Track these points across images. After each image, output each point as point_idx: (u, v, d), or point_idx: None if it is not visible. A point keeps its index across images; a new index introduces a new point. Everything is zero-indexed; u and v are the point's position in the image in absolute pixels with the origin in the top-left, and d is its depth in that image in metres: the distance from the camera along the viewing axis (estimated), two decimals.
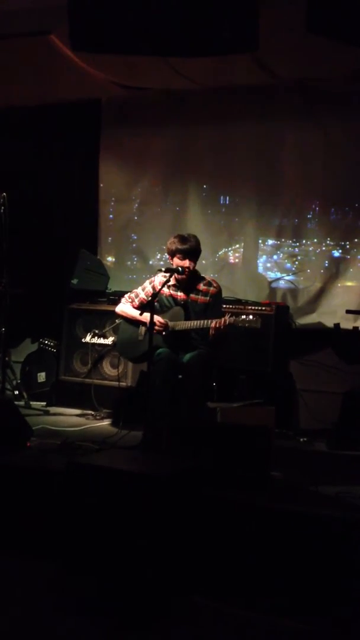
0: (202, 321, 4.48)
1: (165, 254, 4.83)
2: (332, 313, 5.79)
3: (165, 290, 4.69)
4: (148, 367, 4.25)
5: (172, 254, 4.63)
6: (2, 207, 5.31)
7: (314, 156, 5.89)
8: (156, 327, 4.43)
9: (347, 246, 5.87)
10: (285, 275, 6.05)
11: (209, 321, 4.41)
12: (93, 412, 5.80)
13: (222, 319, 4.36)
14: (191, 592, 3.29)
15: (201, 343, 4.59)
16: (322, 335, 5.69)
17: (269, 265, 6.16)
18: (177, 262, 4.61)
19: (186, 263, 4.58)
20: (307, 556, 3.24)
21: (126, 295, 4.92)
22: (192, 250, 4.59)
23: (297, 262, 6.06)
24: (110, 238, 6.81)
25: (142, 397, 4.53)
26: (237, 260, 6.31)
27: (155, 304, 4.57)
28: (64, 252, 6.58)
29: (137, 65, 5.17)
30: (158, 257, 6.50)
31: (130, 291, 4.92)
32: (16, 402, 5.25)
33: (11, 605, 3.22)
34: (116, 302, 5.02)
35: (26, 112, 6.59)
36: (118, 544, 3.17)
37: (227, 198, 6.33)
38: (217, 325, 4.35)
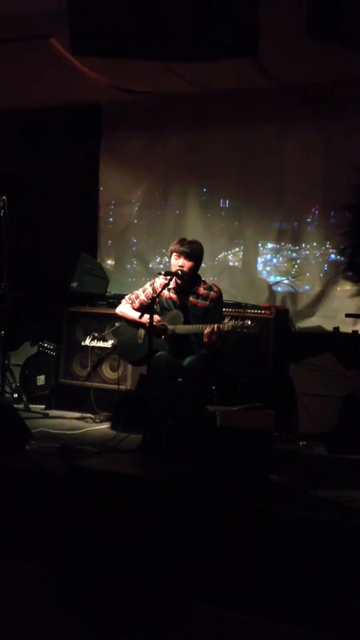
0: (200, 326, 4.47)
1: (165, 257, 4.85)
2: (331, 317, 5.79)
3: (165, 292, 4.70)
4: (148, 370, 4.25)
5: (170, 253, 4.66)
6: (2, 211, 5.31)
7: (314, 160, 5.90)
8: (155, 326, 4.42)
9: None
10: (284, 278, 6.05)
11: (205, 326, 4.40)
12: (92, 416, 5.79)
13: (214, 326, 4.34)
14: (190, 597, 3.29)
15: (201, 347, 4.59)
16: (322, 339, 5.70)
17: (268, 268, 6.16)
18: (172, 261, 4.62)
19: (180, 262, 4.58)
20: (306, 560, 3.24)
21: (127, 297, 4.94)
22: (186, 251, 4.58)
23: (296, 266, 6.06)
24: (110, 241, 6.81)
25: (141, 400, 4.53)
26: (236, 263, 6.31)
27: (156, 306, 4.56)
28: (64, 255, 6.59)
29: (137, 69, 5.17)
30: (158, 260, 6.50)
31: (132, 292, 4.94)
32: (15, 405, 5.24)
33: (8, 609, 3.22)
34: (116, 305, 5.03)
35: (26, 116, 6.60)
36: (116, 548, 3.17)
37: (227, 201, 6.33)
38: (209, 331, 4.34)
